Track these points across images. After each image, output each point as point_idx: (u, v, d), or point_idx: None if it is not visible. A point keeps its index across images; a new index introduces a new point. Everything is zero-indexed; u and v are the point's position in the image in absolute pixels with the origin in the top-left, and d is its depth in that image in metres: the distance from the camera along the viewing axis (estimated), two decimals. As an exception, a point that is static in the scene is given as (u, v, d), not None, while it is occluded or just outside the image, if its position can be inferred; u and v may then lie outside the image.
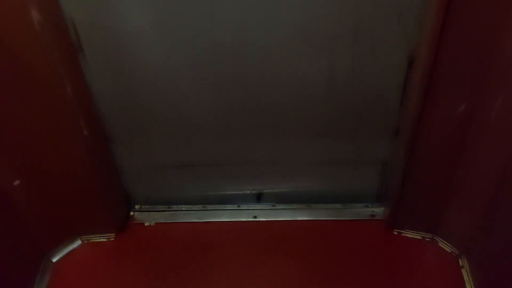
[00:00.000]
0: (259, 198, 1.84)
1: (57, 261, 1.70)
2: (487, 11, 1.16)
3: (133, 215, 1.86)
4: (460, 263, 1.64)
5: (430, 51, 1.23)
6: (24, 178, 1.50)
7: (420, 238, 1.73)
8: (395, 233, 1.75)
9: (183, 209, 1.87)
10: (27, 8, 1.16)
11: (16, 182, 1.48)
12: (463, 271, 1.61)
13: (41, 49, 1.24)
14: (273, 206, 1.87)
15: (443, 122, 1.40)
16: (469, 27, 1.19)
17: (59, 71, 1.31)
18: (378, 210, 1.83)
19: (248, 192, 1.86)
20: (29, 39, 1.22)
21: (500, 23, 1.17)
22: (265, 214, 1.84)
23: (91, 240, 1.77)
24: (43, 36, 1.22)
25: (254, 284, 1.62)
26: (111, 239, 1.77)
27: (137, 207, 1.88)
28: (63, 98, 1.35)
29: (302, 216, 1.83)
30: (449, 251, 1.68)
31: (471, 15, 1.17)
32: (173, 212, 1.87)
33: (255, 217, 1.83)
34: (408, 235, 1.74)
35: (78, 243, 1.76)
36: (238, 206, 1.88)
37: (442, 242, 1.70)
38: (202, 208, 1.87)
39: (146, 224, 1.83)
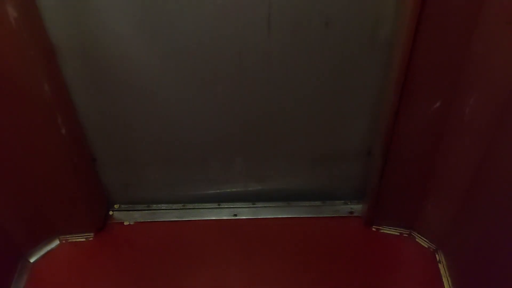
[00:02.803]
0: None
1: (35, 261, 1.68)
2: (459, 13, 1.19)
3: (112, 214, 1.85)
4: (437, 258, 1.67)
5: (406, 50, 1.25)
6: (0, 177, 1.47)
7: (398, 234, 1.76)
8: (373, 229, 1.78)
9: (163, 208, 1.87)
10: (3, 4, 1.14)
11: (-8, 182, 1.47)
12: (440, 266, 1.64)
13: (17, 46, 1.23)
14: (253, 204, 1.88)
15: (419, 119, 1.42)
16: (443, 26, 1.21)
17: (36, 69, 1.29)
18: (357, 207, 1.85)
19: (228, 190, 1.87)
20: (5, 35, 1.20)
21: (472, 24, 1.20)
22: (245, 212, 1.85)
23: (70, 240, 1.75)
24: (19, 33, 1.21)
25: (234, 281, 1.62)
26: (90, 239, 1.75)
27: (116, 206, 1.87)
28: (40, 96, 1.34)
29: (282, 213, 1.84)
30: (426, 246, 1.71)
31: (444, 15, 1.19)
32: (152, 211, 1.86)
33: (235, 215, 1.84)
34: (386, 231, 1.77)
35: (56, 243, 1.74)
36: (218, 205, 1.88)
37: (420, 237, 1.73)
38: (182, 207, 1.87)
39: (126, 223, 1.82)
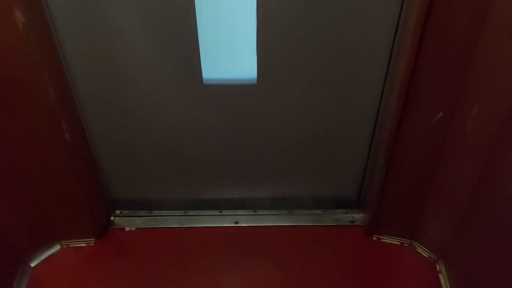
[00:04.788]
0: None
1: (35, 266, 1.68)
2: (463, 25, 1.20)
3: (114, 220, 1.85)
4: (438, 268, 1.67)
5: (409, 60, 1.27)
6: (2, 181, 1.47)
7: (399, 243, 1.76)
8: (374, 238, 1.78)
9: (164, 214, 1.87)
10: (11, 9, 1.16)
11: (-6, 185, 1.47)
12: (441, 276, 1.64)
13: (24, 51, 1.24)
14: (255, 211, 1.88)
15: (422, 130, 1.43)
16: (446, 38, 1.23)
17: (42, 73, 1.30)
18: (358, 216, 1.86)
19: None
20: (12, 40, 1.21)
21: (475, 37, 1.22)
22: (246, 220, 1.85)
23: (71, 245, 1.75)
24: (27, 38, 1.22)
25: (235, 289, 1.62)
26: (91, 244, 1.75)
27: (117, 212, 1.87)
28: (45, 101, 1.35)
29: (283, 221, 1.84)
30: (427, 256, 1.71)
31: (448, 28, 1.21)
32: (154, 217, 1.86)
33: (236, 222, 1.84)
34: (387, 241, 1.77)
35: (57, 248, 1.74)
36: (220, 212, 1.88)
37: (420, 247, 1.73)
38: (183, 214, 1.87)
39: (127, 229, 1.82)
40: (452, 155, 1.46)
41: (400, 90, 1.33)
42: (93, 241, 1.76)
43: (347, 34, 1.40)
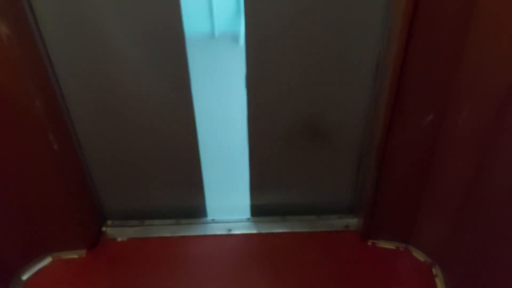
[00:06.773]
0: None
1: (27, 279, 1.66)
2: (450, 26, 1.20)
3: (105, 230, 1.83)
4: (434, 272, 1.65)
5: (397, 63, 1.26)
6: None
7: (394, 248, 1.75)
8: (369, 243, 1.76)
9: (156, 223, 1.85)
10: (-6, 22, 1.15)
11: (-17, 198, 1.45)
12: (437, 280, 1.62)
13: (9, 63, 1.23)
14: (248, 219, 1.86)
15: (412, 133, 1.42)
16: (434, 39, 1.22)
17: (28, 85, 1.30)
18: (352, 221, 1.84)
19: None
20: (-4, 52, 1.20)
21: (463, 37, 1.21)
22: (239, 227, 1.84)
23: (62, 257, 1.73)
24: (11, 50, 1.21)
25: (229, 298, 1.60)
26: (83, 256, 1.73)
27: (109, 222, 1.85)
28: (31, 112, 1.34)
29: (277, 228, 1.83)
30: (422, 260, 1.70)
31: (435, 29, 1.20)
32: (146, 227, 1.84)
33: (229, 230, 1.82)
34: (382, 245, 1.76)
35: (48, 260, 1.72)
36: (213, 220, 1.86)
37: (416, 251, 1.72)
38: (175, 223, 1.85)
39: (119, 239, 1.80)
40: (443, 157, 1.45)
41: (389, 92, 1.32)
42: (85, 253, 1.74)
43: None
